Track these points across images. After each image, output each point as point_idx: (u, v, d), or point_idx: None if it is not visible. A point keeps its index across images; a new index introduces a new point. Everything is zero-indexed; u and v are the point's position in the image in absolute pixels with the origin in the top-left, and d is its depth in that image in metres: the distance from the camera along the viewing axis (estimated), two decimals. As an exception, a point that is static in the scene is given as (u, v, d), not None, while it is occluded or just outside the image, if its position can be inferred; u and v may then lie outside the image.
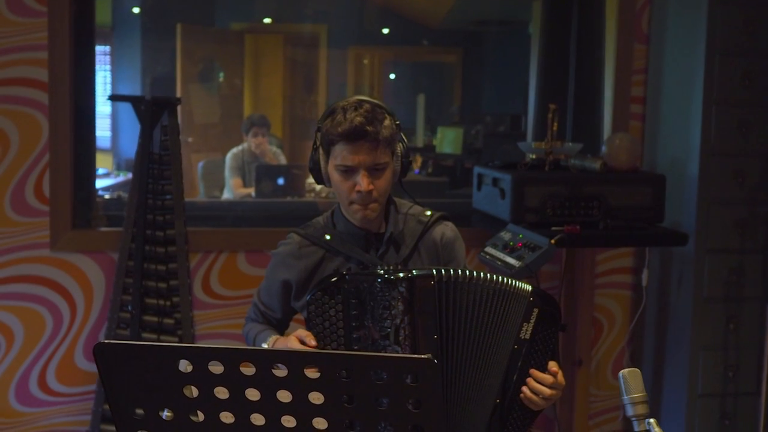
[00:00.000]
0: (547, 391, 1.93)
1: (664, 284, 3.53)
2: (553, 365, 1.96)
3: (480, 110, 8.07)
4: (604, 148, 3.27)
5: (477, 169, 3.41)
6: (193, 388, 1.35)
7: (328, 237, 2.16)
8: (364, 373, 1.28)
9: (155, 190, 3.24)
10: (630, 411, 1.62)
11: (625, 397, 1.62)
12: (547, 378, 1.94)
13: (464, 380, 1.94)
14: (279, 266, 2.21)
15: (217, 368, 1.32)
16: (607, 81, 3.68)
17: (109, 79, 7.99)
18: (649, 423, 1.59)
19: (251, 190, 5.34)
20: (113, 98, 3.25)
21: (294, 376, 1.29)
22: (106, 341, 1.31)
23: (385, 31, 8.30)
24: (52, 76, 3.18)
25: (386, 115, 2.07)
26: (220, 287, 3.40)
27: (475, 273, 1.97)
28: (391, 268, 2.02)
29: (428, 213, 2.23)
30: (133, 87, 6.95)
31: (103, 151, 6.53)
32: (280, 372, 1.31)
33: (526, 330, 1.95)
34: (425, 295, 1.93)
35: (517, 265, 2.62)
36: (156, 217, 3.24)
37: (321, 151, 2.11)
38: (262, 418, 1.34)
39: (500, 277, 1.97)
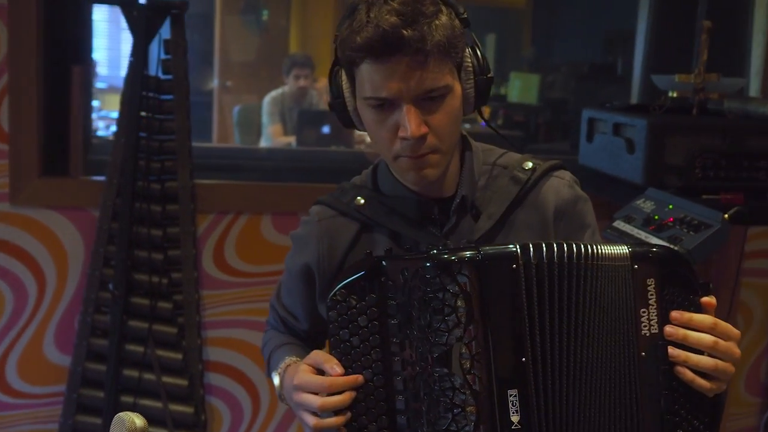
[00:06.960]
0: (707, 338, 1.17)
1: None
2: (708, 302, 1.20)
3: (556, 56, 7.12)
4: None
5: (587, 113, 2.54)
6: None
7: (361, 201, 1.37)
8: None
9: (151, 127, 2.41)
10: None
11: None
12: (705, 319, 1.18)
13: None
14: (297, 251, 1.44)
15: None
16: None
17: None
18: None
19: (292, 139, 4.83)
20: (96, 0, 2.41)
21: None
22: None
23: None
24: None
25: (440, 5, 1.24)
26: (238, 260, 2.58)
27: (600, 248, 1.20)
28: (461, 246, 1.27)
29: (530, 165, 1.38)
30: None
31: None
32: None
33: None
34: (503, 288, 1.16)
35: (672, 252, 1.73)
36: (151, 163, 2.41)
37: (343, 75, 1.30)
38: None
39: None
